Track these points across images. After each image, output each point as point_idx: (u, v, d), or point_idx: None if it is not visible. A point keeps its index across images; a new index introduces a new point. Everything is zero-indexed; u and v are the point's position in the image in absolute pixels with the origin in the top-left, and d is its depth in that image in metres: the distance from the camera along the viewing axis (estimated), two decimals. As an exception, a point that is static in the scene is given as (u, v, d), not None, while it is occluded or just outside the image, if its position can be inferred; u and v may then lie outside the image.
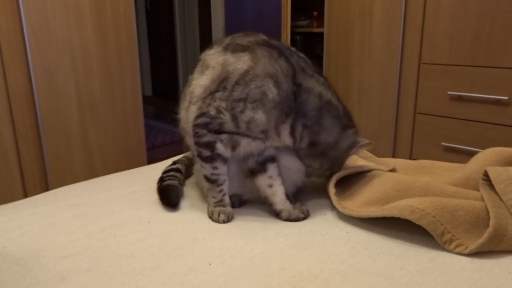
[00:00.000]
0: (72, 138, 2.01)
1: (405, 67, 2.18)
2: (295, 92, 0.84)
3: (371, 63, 2.32)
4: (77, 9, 1.92)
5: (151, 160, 1.96)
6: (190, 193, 1.00)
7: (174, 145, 3.24)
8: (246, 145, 0.87)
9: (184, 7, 4.55)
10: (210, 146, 0.86)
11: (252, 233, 0.81)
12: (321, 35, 2.63)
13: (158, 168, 1.10)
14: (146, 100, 4.96)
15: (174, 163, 1.09)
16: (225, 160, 0.88)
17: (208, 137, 0.85)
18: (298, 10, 3.10)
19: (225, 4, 3.81)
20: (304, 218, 0.88)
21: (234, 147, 0.87)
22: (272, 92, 0.82)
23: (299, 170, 0.93)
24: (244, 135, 0.85)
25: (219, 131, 0.85)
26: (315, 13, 3.04)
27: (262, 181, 0.90)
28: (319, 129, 0.86)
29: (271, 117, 0.83)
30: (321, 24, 2.79)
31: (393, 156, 2.24)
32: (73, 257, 0.71)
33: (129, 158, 2.26)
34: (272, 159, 0.91)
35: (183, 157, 1.12)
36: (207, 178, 0.89)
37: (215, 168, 0.87)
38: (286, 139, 0.86)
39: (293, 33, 3.02)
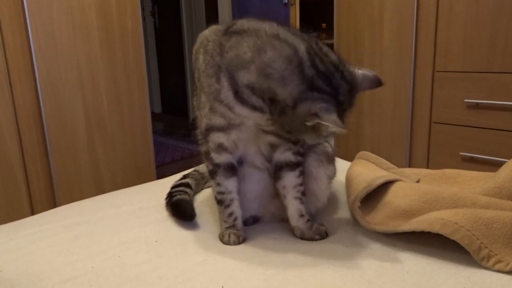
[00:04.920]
0: (80, 155, 1.98)
1: (419, 76, 2.12)
2: (221, 43, 0.71)
3: (382, 73, 2.26)
4: (84, 25, 1.90)
5: (160, 176, 1.91)
6: (200, 209, 0.94)
7: (184, 161, 3.19)
8: (231, 142, 0.77)
9: (192, 24, 4.57)
10: (207, 154, 0.80)
11: (267, 252, 0.74)
12: (330, 46, 2.58)
13: (166, 183, 1.04)
14: (155, 117, 4.96)
15: (184, 177, 1.03)
16: (227, 173, 0.80)
17: (204, 145, 0.80)
18: (307, 22, 3.08)
19: (232, 20, 3.80)
20: (320, 239, 0.80)
21: (225, 148, 0.78)
22: (201, 61, 0.74)
23: (325, 186, 0.86)
24: (216, 128, 0.76)
25: (204, 134, 0.79)
26: (323, 25, 3.01)
27: (278, 189, 0.83)
28: (266, 79, 0.67)
29: (205, 89, 0.73)
30: (330, 35, 2.75)
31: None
32: (73, 280, 0.66)
33: (138, 174, 2.21)
34: (291, 166, 0.81)
35: (194, 171, 1.06)
36: (216, 199, 0.82)
37: (218, 184, 0.80)
38: (239, 108, 0.71)
39: (301, 46, 2.98)
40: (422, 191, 0.82)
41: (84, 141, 1.98)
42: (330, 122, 0.64)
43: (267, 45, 0.67)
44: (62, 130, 1.90)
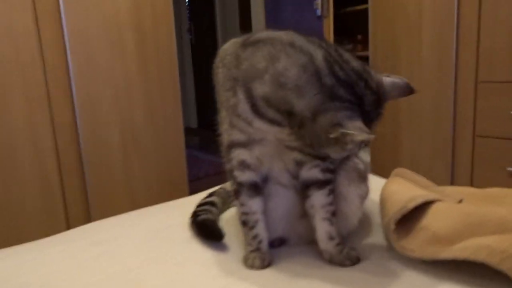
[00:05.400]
0: (115, 170, 2.00)
1: (461, 87, 2.01)
2: (238, 55, 0.69)
3: (421, 84, 2.17)
4: (120, 42, 1.94)
5: (194, 191, 1.91)
6: (226, 230, 0.89)
7: (218, 176, 3.18)
8: (254, 159, 0.73)
9: (227, 40, 4.61)
10: (231, 172, 0.77)
11: (293, 278, 0.69)
12: (366, 58, 2.52)
13: (195, 201, 1.02)
14: (191, 132, 5.02)
15: (210, 195, 1.01)
16: (251, 192, 0.76)
17: (227, 163, 0.77)
18: (342, 34, 3.02)
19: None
20: (351, 265, 0.74)
21: (248, 165, 0.74)
22: (220, 75, 0.73)
23: (357, 206, 0.80)
24: (237, 144, 0.73)
25: (226, 151, 0.76)
26: (359, 37, 2.95)
27: (306, 209, 0.78)
28: (281, 90, 0.63)
29: (223, 102, 0.72)
30: (366, 47, 2.68)
31: (452, 185, 2.04)
32: (91, 304, 0.64)
33: (172, 189, 2.21)
34: (319, 185, 0.75)
35: (220, 188, 1.03)
36: (240, 220, 0.79)
37: (242, 205, 0.77)
38: (257, 122, 0.67)
39: (336, 58, 2.93)
40: (464, 213, 0.75)
41: (118, 156, 2.01)
42: (355, 130, 0.59)
43: (281, 53, 0.64)
44: (97, 146, 1.94)
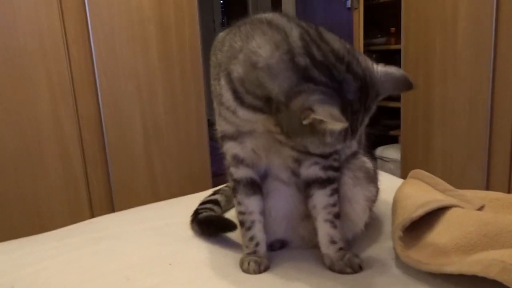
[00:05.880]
0: (137, 163, 2.02)
1: (498, 82, 1.88)
2: (224, 40, 0.66)
3: (456, 79, 2.05)
4: (143, 38, 1.94)
5: (217, 185, 1.89)
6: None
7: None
8: (248, 153, 0.69)
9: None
10: (228, 169, 0.73)
11: (288, 284, 0.65)
12: (399, 52, 2.41)
13: (198, 198, 0.99)
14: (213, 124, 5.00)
15: (214, 193, 0.98)
16: (248, 190, 0.72)
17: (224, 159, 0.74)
18: (375, 27, 2.90)
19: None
20: (351, 273, 0.68)
21: (241, 160, 0.70)
22: (210, 64, 0.70)
23: (362, 209, 0.74)
24: (228, 137, 0.69)
25: (221, 145, 0.72)
26: (392, 29, 2.83)
27: (309, 209, 0.73)
28: (254, 69, 0.59)
29: (213, 92, 0.69)
30: (399, 40, 2.57)
31: (487, 188, 1.92)
32: (75, 304, 0.62)
33: (194, 183, 2.21)
34: (320, 183, 0.70)
35: (226, 186, 1.00)
36: (238, 221, 0.75)
37: (238, 203, 0.73)
38: (240, 111, 0.64)
39: (368, 51, 2.83)
40: (482, 221, 0.68)
41: (141, 149, 2.02)
42: (327, 116, 0.53)
43: (256, 32, 0.60)
44: (120, 139, 1.96)
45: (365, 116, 0.61)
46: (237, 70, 0.61)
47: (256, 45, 0.59)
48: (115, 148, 1.94)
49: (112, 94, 1.90)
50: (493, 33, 1.85)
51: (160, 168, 2.09)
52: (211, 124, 0.79)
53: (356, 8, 2.52)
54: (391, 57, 2.91)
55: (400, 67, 2.36)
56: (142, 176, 2.04)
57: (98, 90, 1.86)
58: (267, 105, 0.60)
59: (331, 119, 0.53)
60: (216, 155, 0.78)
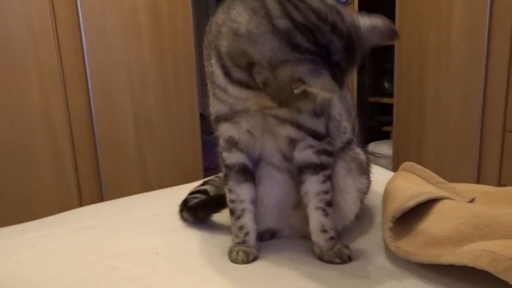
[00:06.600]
0: (128, 156, 2.00)
1: (491, 78, 1.88)
2: (213, 20, 0.68)
3: (450, 75, 2.05)
4: (135, 28, 1.92)
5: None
6: (217, 221, 0.86)
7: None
8: (242, 135, 0.68)
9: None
10: (220, 154, 0.72)
11: (276, 275, 0.64)
12: (392, 47, 2.40)
13: (187, 189, 0.98)
14: (206, 117, 4.97)
15: (204, 183, 0.96)
16: (239, 177, 0.71)
17: (218, 146, 0.73)
18: (368, 22, 2.89)
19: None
20: (340, 263, 0.67)
21: (235, 143, 0.69)
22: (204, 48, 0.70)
23: (353, 200, 0.73)
24: (222, 118, 0.69)
25: (215, 128, 0.72)
26: (386, 25, 2.82)
27: (301, 196, 0.71)
28: (236, 39, 0.59)
29: (206, 73, 0.69)
30: (392, 35, 2.56)
31: (478, 183, 1.92)
32: (59, 293, 0.61)
33: (185, 177, 2.19)
34: (313, 169, 0.69)
35: (216, 176, 0.99)
36: (229, 209, 0.74)
37: (229, 191, 0.72)
38: (231, 88, 0.64)
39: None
40: (473, 213, 0.67)
41: (132, 142, 2.00)
42: (318, 87, 0.53)
43: (236, 2, 0.61)
44: (111, 131, 1.93)
45: (351, 71, 0.61)
46: (223, 44, 0.62)
47: (236, 14, 0.59)
48: (105, 140, 1.92)
49: (103, 85, 1.88)
50: (487, 30, 1.85)
51: (152, 161, 2.07)
52: (204, 117, 0.78)
53: (351, 3, 2.51)
54: (384, 53, 2.90)
55: (393, 63, 2.37)
56: (133, 169, 2.02)
57: (89, 81, 1.83)
58: (252, 78, 0.60)
59: (323, 89, 0.53)
60: (208, 150, 0.77)
